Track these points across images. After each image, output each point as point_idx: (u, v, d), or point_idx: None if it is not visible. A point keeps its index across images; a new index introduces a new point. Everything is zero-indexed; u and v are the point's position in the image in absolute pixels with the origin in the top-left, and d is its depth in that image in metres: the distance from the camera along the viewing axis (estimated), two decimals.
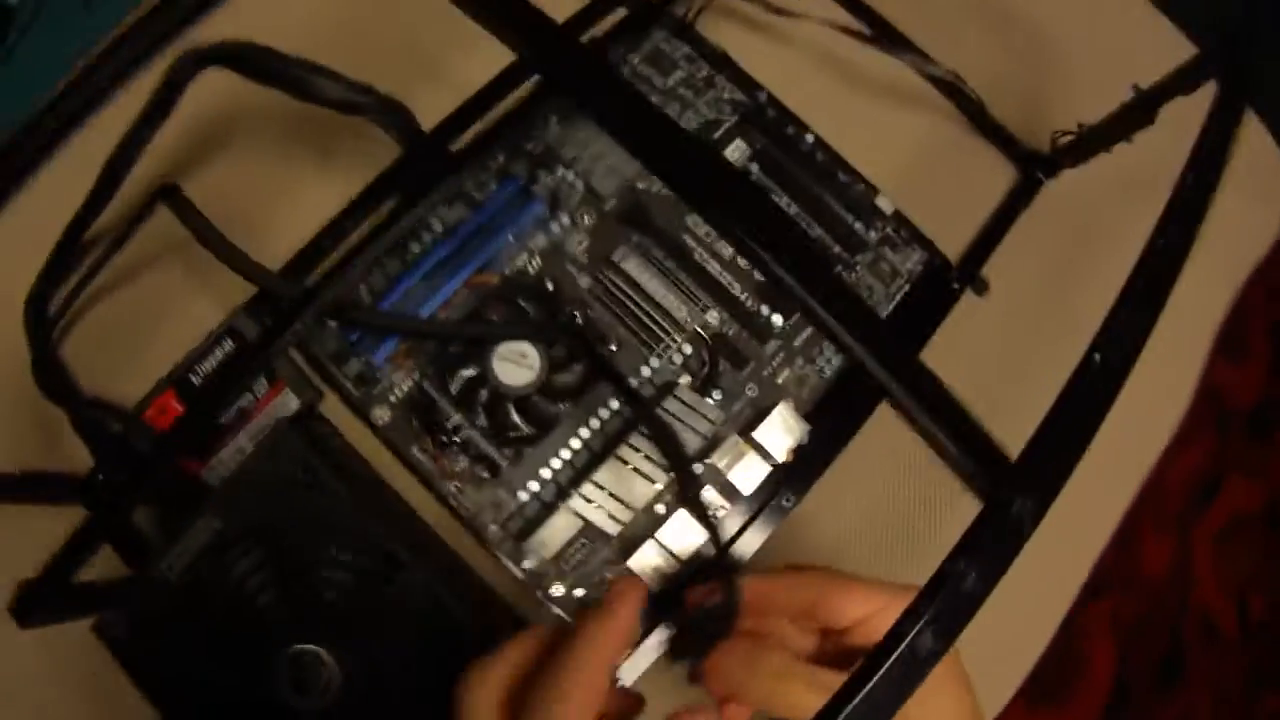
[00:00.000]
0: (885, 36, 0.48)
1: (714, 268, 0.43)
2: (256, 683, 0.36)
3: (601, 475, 0.39)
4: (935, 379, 0.25)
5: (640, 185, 0.44)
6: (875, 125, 0.49)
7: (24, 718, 0.42)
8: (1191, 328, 0.50)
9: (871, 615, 0.31)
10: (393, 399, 0.41)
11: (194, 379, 0.43)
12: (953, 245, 0.47)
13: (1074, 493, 0.23)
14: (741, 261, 0.43)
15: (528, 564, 0.40)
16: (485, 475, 0.40)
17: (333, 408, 0.43)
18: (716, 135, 0.45)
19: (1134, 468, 0.47)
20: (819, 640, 0.34)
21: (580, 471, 0.40)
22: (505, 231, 0.42)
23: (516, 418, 0.40)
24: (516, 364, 0.39)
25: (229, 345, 0.43)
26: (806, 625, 0.33)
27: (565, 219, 0.43)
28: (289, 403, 0.42)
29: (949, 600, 0.21)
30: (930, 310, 0.45)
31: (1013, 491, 0.22)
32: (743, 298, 0.43)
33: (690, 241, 0.43)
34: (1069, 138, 0.45)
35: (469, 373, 0.40)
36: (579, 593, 0.39)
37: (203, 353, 0.43)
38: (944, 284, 0.46)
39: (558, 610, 0.39)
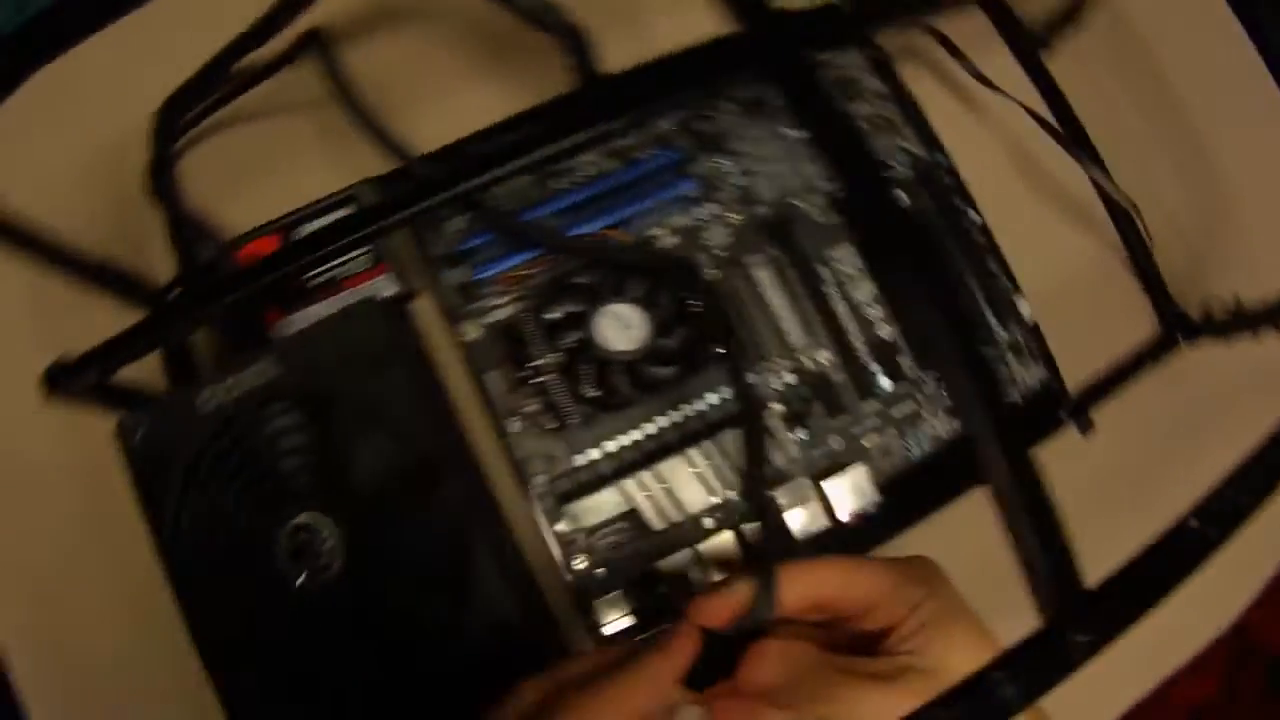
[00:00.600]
0: (1076, 141, 0.46)
1: (841, 308, 0.41)
2: (255, 541, 0.35)
3: (665, 468, 0.38)
4: (1040, 481, 0.24)
5: (797, 203, 0.42)
6: (1037, 226, 0.47)
7: (28, 499, 0.41)
8: None
9: (881, 602, 0.29)
10: (486, 320, 0.40)
11: (300, 232, 0.42)
12: (1071, 373, 0.45)
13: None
14: (870, 311, 0.41)
15: (561, 526, 0.38)
16: (551, 426, 0.39)
17: (422, 311, 0.41)
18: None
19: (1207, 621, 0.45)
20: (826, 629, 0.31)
21: (645, 457, 0.38)
22: (650, 198, 0.41)
23: (600, 382, 0.38)
24: (620, 328, 0.37)
25: (345, 211, 0.42)
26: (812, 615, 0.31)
27: (714, 208, 0.41)
28: (383, 288, 0.41)
29: (979, 705, 0.20)
30: (1030, 430, 0.43)
31: (1077, 621, 0.21)
32: (859, 347, 0.41)
33: (826, 274, 0.41)
34: (1222, 310, 0.44)
35: (570, 322, 0.38)
36: (600, 572, 0.38)
37: (317, 210, 0.42)
38: (1052, 410, 0.44)
39: (569, 578, 0.38)
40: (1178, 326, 0.47)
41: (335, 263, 0.41)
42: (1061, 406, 0.44)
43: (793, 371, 0.40)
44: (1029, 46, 0.47)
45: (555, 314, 0.38)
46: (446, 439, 0.36)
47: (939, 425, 0.41)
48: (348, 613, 0.34)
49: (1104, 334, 0.47)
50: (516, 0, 0.35)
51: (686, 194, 0.41)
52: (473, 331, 0.40)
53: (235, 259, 0.42)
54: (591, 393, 0.38)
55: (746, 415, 0.37)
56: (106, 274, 0.40)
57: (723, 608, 0.29)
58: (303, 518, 0.35)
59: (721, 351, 0.39)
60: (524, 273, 0.39)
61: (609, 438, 0.38)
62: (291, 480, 0.35)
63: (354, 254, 0.41)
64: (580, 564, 0.38)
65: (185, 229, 0.43)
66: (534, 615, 0.36)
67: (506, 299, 0.40)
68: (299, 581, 0.34)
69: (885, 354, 0.41)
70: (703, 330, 0.39)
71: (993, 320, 0.43)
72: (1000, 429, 0.24)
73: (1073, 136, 0.46)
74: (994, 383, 0.24)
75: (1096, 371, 0.46)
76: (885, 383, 0.41)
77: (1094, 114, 0.47)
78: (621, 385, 0.38)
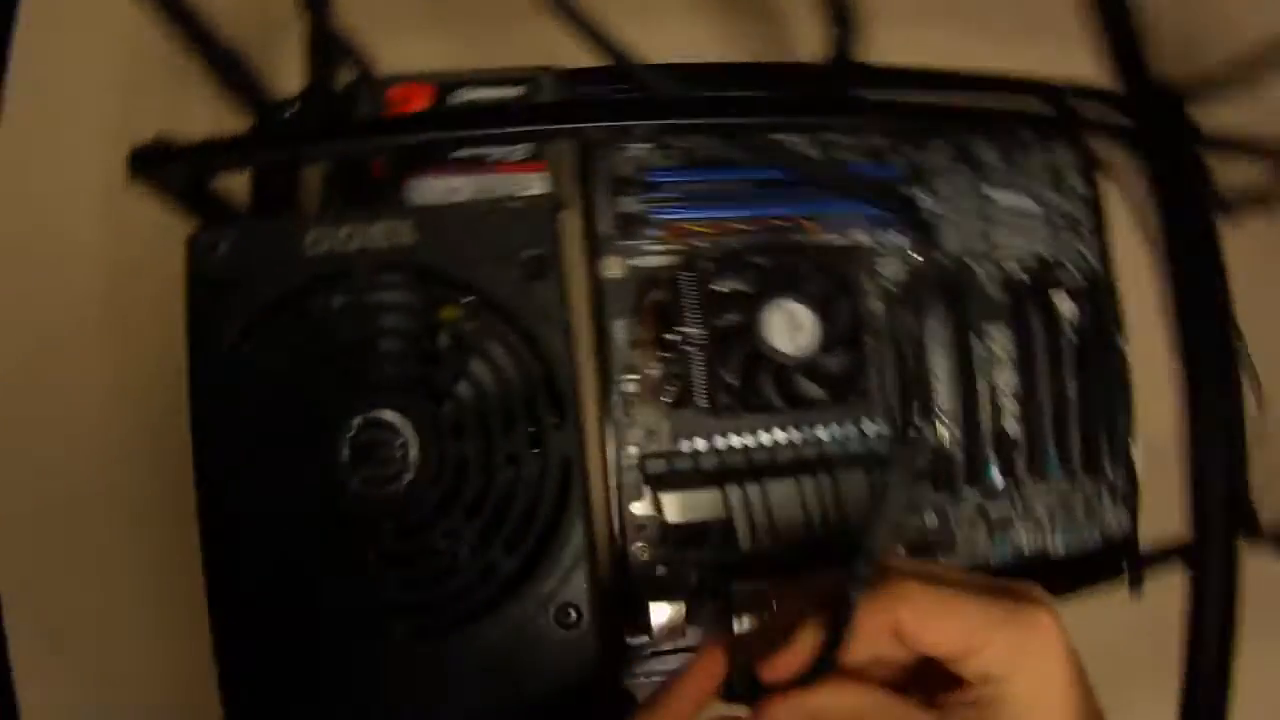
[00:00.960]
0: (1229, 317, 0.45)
1: (981, 386, 0.39)
2: (320, 419, 0.30)
3: (775, 488, 0.34)
4: None
5: (974, 267, 0.40)
6: (1158, 377, 0.46)
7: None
8: None
9: (967, 648, 0.24)
10: (636, 263, 0.36)
11: (458, 96, 0.37)
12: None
13: None
14: (1006, 401, 0.39)
15: (637, 507, 0.34)
16: (668, 399, 0.35)
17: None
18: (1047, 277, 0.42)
19: None
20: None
21: (754, 469, 0.35)
22: (843, 204, 0.37)
23: (745, 375, 0.35)
24: (790, 328, 0.34)
25: (520, 90, 0.37)
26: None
27: (900, 239, 0.39)
28: (530, 184, 0.36)
29: None
30: (1088, 570, 0.42)
31: None
32: (984, 432, 0.39)
33: (979, 349, 0.39)
34: None
35: (736, 301, 0.35)
36: (661, 570, 0.34)
37: (488, 80, 0.37)
38: (1115, 560, 0.43)
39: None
40: (1242, 523, 0.46)
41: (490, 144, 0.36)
42: (1126, 558, 0.43)
43: (915, 432, 0.38)
44: (1211, 207, 0.46)
45: (723, 287, 0.34)
46: (567, 377, 0.32)
47: (1025, 537, 0.40)
48: (396, 537, 0.29)
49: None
50: None
51: (879, 215, 0.38)
52: (615, 269, 0.36)
53: (380, 92, 0.37)
54: (731, 381, 0.34)
55: (902, 454, 0.34)
56: (230, 62, 0.34)
57: (793, 663, 0.24)
58: (385, 414, 0.30)
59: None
60: (700, 229, 0.36)
61: (726, 434, 0.35)
62: (386, 365, 0.30)
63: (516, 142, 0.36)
64: (642, 554, 0.34)
65: (330, 37, 0.37)
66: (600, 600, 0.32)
67: (667, 249, 0.36)
68: (352, 483, 0.29)
69: (1005, 448, 0.39)
70: (866, 363, 0.36)
71: (1105, 451, 0.41)
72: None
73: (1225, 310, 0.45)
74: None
75: (1163, 531, 0.45)
76: (997, 477, 0.39)
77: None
78: (766, 386, 0.34)
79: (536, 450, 0.30)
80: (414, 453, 0.29)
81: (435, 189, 0.36)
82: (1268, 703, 0.47)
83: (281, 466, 0.30)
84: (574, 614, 0.29)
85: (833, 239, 0.37)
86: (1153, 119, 0.36)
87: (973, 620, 0.23)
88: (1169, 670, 0.46)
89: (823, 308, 0.34)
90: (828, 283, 0.35)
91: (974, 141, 0.41)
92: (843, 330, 0.35)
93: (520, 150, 0.36)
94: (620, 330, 0.35)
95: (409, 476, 0.29)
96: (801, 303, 0.34)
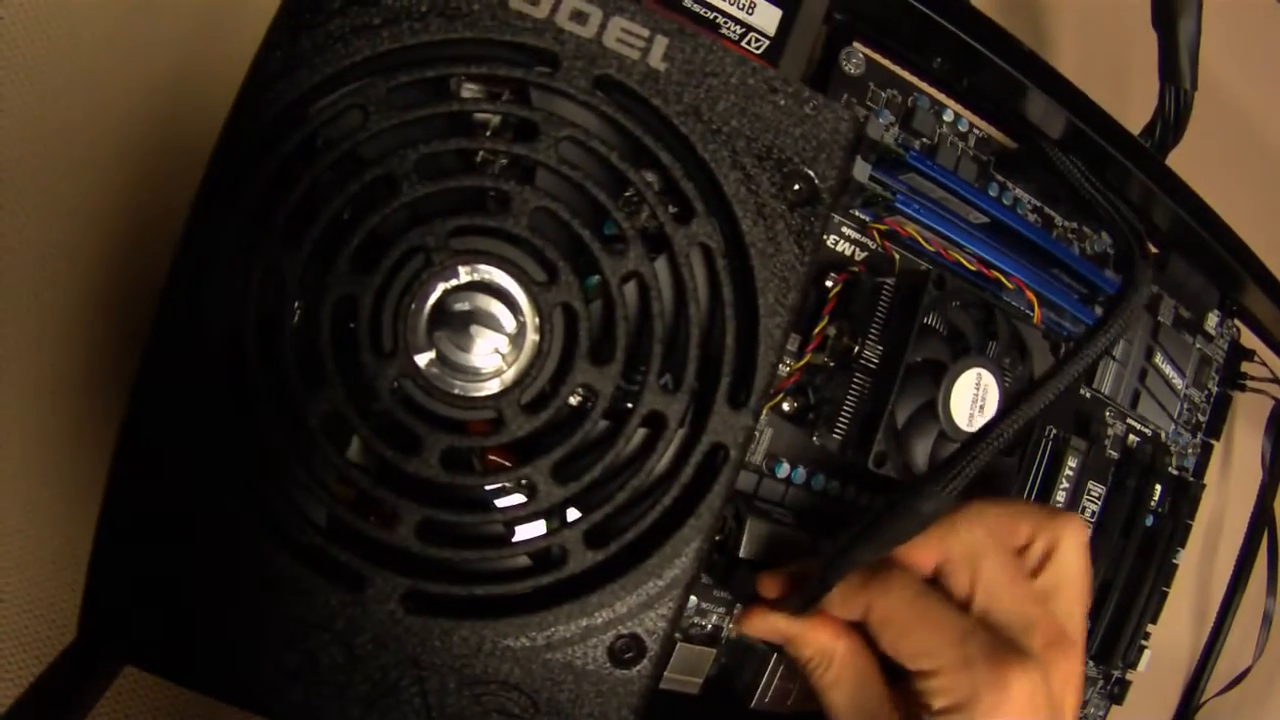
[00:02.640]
0: None
1: None
2: (390, 258, 0.20)
3: None
4: None
5: (1109, 416, 0.34)
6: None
7: None
8: None
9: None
10: (839, 243, 0.27)
11: None
12: None
13: None
14: None
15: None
16: (786, 409, 0.27)
17: None
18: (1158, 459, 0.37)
19: None
20: None
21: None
22: (1043, 287, 0.31)
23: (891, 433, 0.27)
24: (972, 399, 0.27)
25: None
26: None
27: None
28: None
29: None
30: None
31: None
32: None
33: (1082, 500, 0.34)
34: None
35: (926, 350, 0.27)
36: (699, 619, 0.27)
37: None
38: None
39: None
40: None
41: None
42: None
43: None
44: None
45: (936, 324, 0.27)
46: (768, 353, 0.22)
47: None
48: (442, 461, 0.20)
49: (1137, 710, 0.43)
50: None
51: (1057, 318, 0.32)
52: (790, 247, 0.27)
53: None
54: (872, 423, 0.27)
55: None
56: None
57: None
58: (500, 277, 0.20)
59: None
60: (921, 239, 0.28)
61: (832, 479, 0.28)
62: (530, 217, 0.21)
63: None
64: None
65: None
66: None
67: (864, 242, 0.28)
68: (384, 379, 0.20)
69: None
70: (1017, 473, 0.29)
71: (1122, 647, 0.37)
72: None
73: (1270, 552, 0.43)
74: None
75: None
76: None
77: None
78: (915, 451, 0.27)
79: (691, 426, 0.21)
80: (519, 356, 0.20)
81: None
82: None
83: (314, 295, 0.19)
84: (636, 651, 0.21)
85: (1036, 325, 0.31)
86: None
87: (940, 655, 0.22)
88: None
89: (1010, 393, 0.27)
90: (1025, 371, 0.28)
91: (1165, 297, 0.36)
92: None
93: (761, 35, 0.27)
94: (778, 306, 0.27)
95: (497, 386, 0.20)
96: (996, 379, 0.27)
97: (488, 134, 0.21)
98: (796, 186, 0.22)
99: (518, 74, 0.21)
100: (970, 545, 0.23)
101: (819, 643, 0.24)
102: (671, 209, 0.21)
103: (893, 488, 0.28)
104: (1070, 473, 0.32)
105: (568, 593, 0.20)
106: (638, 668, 0.21)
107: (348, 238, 0.19)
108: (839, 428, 0.27)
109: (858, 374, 0.27)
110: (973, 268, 0.29)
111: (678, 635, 0.27)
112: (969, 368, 0.26)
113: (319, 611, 0.19)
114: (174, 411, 0.19)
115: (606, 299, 0.21)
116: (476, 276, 0.20)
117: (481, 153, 0.21)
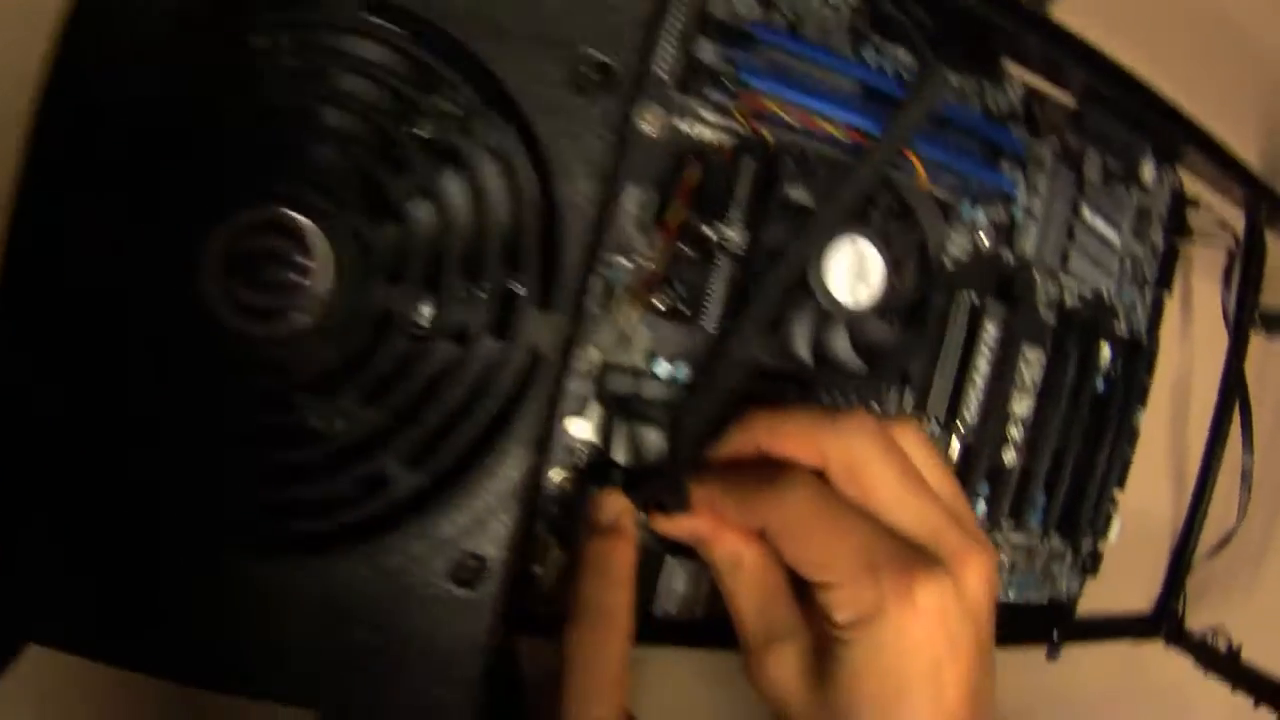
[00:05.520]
0: (1244, 418, 0.40)
1: (996, 406, 0.32)
2: (188, 210, 0.19)
3: None
4: None
5: (1038, 278, 0.32)
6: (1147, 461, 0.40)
7: None
8: None
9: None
10: (684, 125, 0.26)
11: None
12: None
13: None
14: (1014, 430, 0.32)
15: (575, 426, 0.25)
16: (659, 307, 0.26)
17: None
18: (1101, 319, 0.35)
19: None
20: None
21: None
22: (945, 154, 0.28)
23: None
24: (852, 273, 0.25)
25: None
26: None
27: (977, 213, 0.30)
28: None
29: None
30: (1020, 625, 0.37)
31: None
32: (982, 456, 0.32)
33: (1009, 365, 0.32)
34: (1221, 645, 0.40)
35: (801, 217, 0.25)
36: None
37: None
38: (1048, 623, 0.38)
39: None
40: (1169, 625, 0.42)
41: None
42: (1059, 624, 0.38)
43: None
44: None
45: (797, 195, 0.25)
46: (580, 242, 0.21)
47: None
48: (262, 402, 0.19)
49: (1121, 576, 0.41)
50: None
51: (973, 181, 0.29)
52: (652, 125, 0.25)
53: None
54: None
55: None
56: None
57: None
58: (294, 215, 0.19)
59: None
60: (784, 114, 0.26)
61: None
62: (320, 147, 0.19)
63: None
64: (563, 486, 0.26)
65: None
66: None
67: (727, 126, 0.26)
68: (216, 304, 0.18)
69: (997, 480, 0.32)
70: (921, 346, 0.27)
71: (1086, 517, 0.35)
72: None
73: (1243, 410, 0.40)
74: None
75: (1089, 608, 0.40)
76: (981, 506, 0.32)
77: None
78: (798, 333, 0.25)
79: (498, 334, 0.20)
80: (320, 285, 0.19)
81: None
82: None
83: (128, 256, 0.19)
84: (478, 571, 0.20)
85: (932, 189, 0.28)
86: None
87: (841, 565, 0.20)
88: None
89: (896, 264, 0.25)
90: (913, 238, 0.26)
91: (1089, 152, 0.33)
92: (907, 298, 0.26)
93: None
94: (631, 201, 0.25)
95: (303, 319, 0.19)
96: (876, 247, 0.25)
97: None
98: (591, 75, 0.20)
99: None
100: (857, 450, 0.21)
101: (725, 545, 0.23)
102: (457, 113, 0.20)
103: (780, 376, 0.26)
104: (990, 339, 0.30)
105: (400, 517, 0.20)
106: (482, 587, 0.20)
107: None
108: (710, 317, 0.25)
109: (724, 261, 0.25)
110: (847, 138, 0.27)
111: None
112: (840, 238, 0.24)
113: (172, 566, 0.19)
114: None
115: (397, 218, 0.19)
116: (268, 215, 0.19)
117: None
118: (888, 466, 0.21)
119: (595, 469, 0.25)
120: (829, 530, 0.20)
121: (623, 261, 0.25)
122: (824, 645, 0.21)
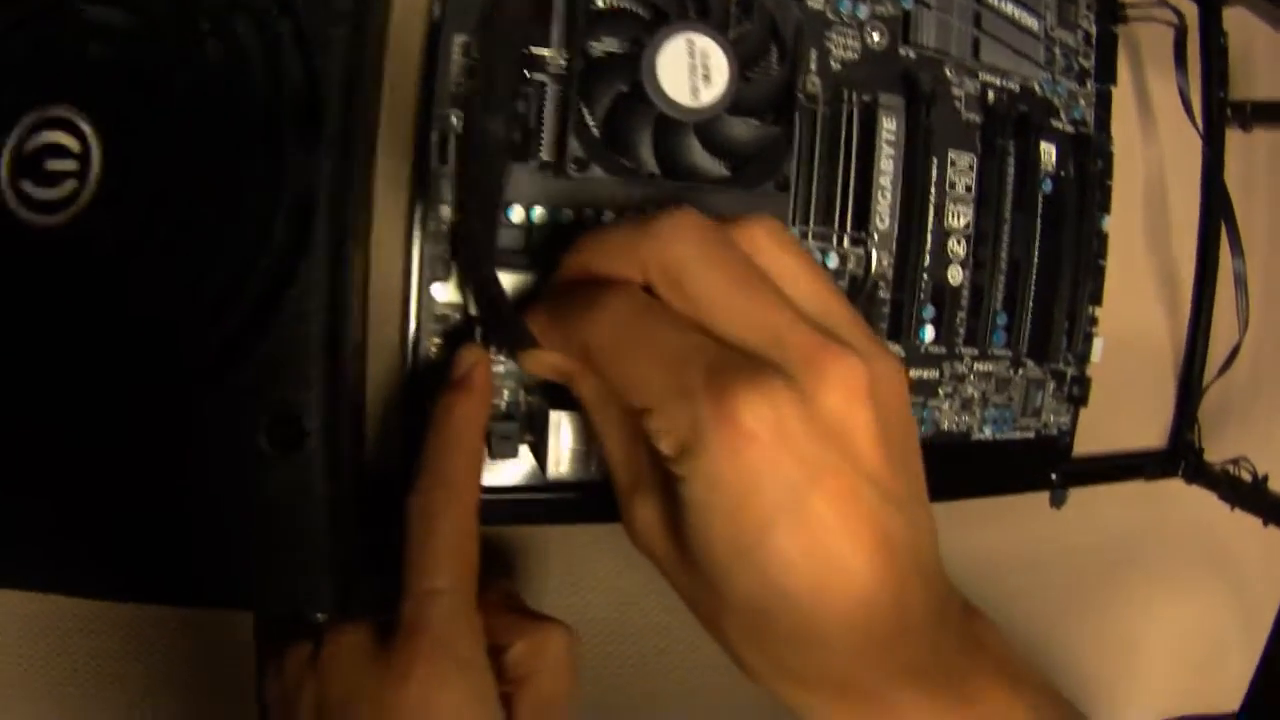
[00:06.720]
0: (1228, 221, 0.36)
1: (932, 220, 0.29)
2: None
3: None
4: None
5: (950, 75, 0.29)
6: (1134, 281, 0.37)
7: None
8: None
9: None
10: None
11: None
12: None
13: None
14: (953, 242, 0.29)
15: (440, 291, 0.23)
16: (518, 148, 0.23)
17: None
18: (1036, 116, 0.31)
19: None
20: None
21: None
22: None
23: (609, 123, 0.23)
24: (689, 71, 0.22)
25: None
26: None
27: (868, 13, 0.27)
28: None
29: None
30: (1012, 469, 0.34)
31: None
32: (916, 272, 0.29)
33: (932, 173, 0.29)
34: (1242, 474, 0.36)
35: (620, 22, 0.23)
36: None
37: None
38: (1047, 466, 0.34)
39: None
40: (1187, 460, 0.38)
41: None
42: (1057, 469, 0.35)
43: (836, 253, 0.27)
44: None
45: (606, 6, 0.22)
46: (336, 77, 0.19)
47: (949, 413, 0.31)
48: (63, 281, 0.18)
49: (1128, 414, 0.38)
50: None
51: None
52: None
53: None
54: (593, 130, 0.22)
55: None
56: None
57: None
58: (59, 110, 0.18)
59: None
60: None
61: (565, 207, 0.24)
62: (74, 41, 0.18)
63: None
64: (437, 353, 0.23)
65: None
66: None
67: None
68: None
69: (945, 301, 0.29)
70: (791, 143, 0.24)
71: (1061, 336, 0.32)
72: None
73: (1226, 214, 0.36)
74: None
75: (1095, 450, 0.36)
76: (929, 333, 0.29)
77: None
78: (642, 144, 0.22)
79: (262, 184, 0.18)
80: (95, 167, 0.18)
81: None
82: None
83: None
84: (296, 428, 0.18)
85: None
86: None
87: (653, 384, 0.17)
88: (1083, 592, 0.38)
89: (744, 58, 0.23)
90: (760, 28, 0.23)
91: None
92: (766, 94, 0.23)
93: None
94: (458, 50, 0.23)
95: (86, 198, 0.18)
96: (716, 42, 0.22)
97: None
98: None
99: None
100: (677, 252, 0.18)
101: (589, 379, 0.20)
102: None
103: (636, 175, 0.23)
104: (890, 137, 0.27)
105: (206, 382, 0.18)
106: (307, 446, 0.18)
107: None
108: (550, 146, 0.23)
109: (551, 84, 0.23)
110: None
111: None
112: (669, 37, 0.22)
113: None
114: None
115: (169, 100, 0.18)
116: (44, 115, 0.18)
117: None
118: (710, 267, 0.18)
119: (459, 329, 0.23)
120: (639, 345, 0.17)
121: (459, 113, 0.23)
122: (671, 486, 0.18)
